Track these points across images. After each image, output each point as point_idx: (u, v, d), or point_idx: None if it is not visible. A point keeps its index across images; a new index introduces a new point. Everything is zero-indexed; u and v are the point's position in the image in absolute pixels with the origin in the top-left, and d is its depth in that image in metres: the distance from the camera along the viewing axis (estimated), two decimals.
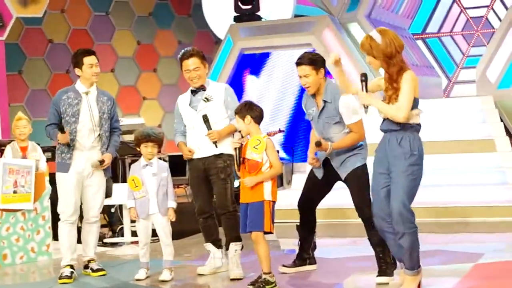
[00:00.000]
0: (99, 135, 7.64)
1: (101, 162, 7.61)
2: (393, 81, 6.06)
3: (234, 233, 7.34)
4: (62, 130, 7.47)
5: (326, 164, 7.10)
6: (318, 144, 6.91)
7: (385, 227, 6.18)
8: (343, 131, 6.95)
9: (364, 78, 6.17)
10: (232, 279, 7.21)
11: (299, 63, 7.02)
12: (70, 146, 7.55)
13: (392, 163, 6.09)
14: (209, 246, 7.59)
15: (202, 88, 7.50)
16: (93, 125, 7.61)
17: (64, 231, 7.62)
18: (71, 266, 7.60)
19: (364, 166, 7.01)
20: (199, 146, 7.43)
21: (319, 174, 7.17)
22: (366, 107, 6.18)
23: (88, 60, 7.62)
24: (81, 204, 7.74)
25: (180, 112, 7.62)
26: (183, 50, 7.60)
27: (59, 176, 7.67)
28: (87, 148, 7.61)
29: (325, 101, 6.98)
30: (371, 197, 6.37)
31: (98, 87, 7.77)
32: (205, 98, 7.42)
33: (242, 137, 6.83)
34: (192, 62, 7.45)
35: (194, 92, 7.54)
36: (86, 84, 7.65)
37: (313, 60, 6.99)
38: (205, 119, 7.24)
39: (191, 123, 7.51)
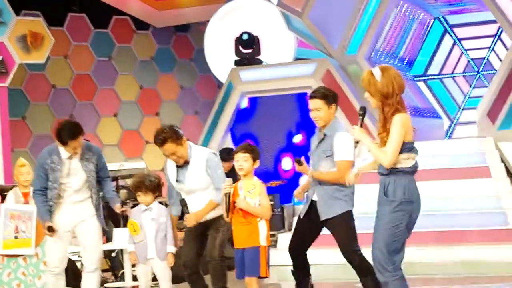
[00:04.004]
0: (87, 190, 7.60)
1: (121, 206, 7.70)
2: (386, 122, 5.90)
3: (220, 283, 7.27)
4: (50, 229, 7.46)
5: (314, 206, 7.11)
6: (298, 161, 6.94)
7: None
8: (332, 168, 6.98)
9: (362, 111, 6.08)
10: None
11: (312, 96, 7.08)
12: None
13: (378, 209, 5.98)
14: None
15: (186, 163, 7.36)
16: (80, 186, 7.55)
17: (50, 281, 7.64)
18: None
19: (349, 212, 6.98)
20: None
21: (303, 211, 7.18)
22: (356, 142, 6.08)
23: (73, 143, 7.35)
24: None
25: (170, 181, 7.56)
26: (155, 134, 7.26)
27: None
28: (72, 203, 7.58)
29: (325, 134, 7.05)
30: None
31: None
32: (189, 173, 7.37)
33: (237, 180, 6.88)
34: (168, 148, 7.21)
35: (179, 167, 7.40)
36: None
37: (326, 95, 7.06)
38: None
39: (183, 194, 7.45)
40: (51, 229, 7.46)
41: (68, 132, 7.32)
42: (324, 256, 9.91)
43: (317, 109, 7.03)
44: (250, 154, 6.82)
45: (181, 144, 7.22)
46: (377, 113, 6.04)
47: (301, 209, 7.29)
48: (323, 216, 7.00)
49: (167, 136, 7.14)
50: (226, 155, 11.88)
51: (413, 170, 5.97)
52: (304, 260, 7.31)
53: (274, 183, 11.25)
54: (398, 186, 5.88)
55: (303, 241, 7.26)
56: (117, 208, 7.64)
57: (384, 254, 5.85)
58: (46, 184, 7.49)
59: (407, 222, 5.92)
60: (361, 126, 6.05)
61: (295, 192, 7.28)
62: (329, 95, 7.09)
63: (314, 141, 7.28)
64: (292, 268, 7.34)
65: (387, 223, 5.86)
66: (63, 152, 7.46)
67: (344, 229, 6.95)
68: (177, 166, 7.40)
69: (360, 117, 6.09)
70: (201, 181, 7.32)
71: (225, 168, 11.84)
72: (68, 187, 7.52)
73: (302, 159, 7.06)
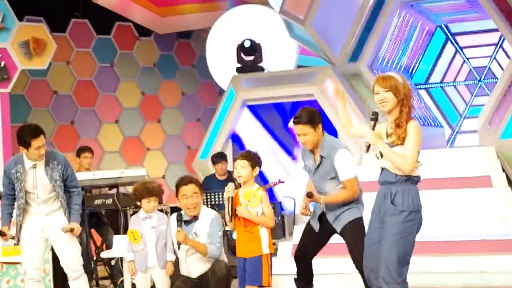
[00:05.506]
0: (57, 201, 7.59)
1: (71, 229, 7.59)
2: (402, 124, 5.92)
3: None
4: (1, 233, 7.50)
5: (323, 216, 7.09)
6: (310, 195, 6.92)
7: (373, 279, 6.04)
8: (338, 186, 6.94)
9: (374, 116, 6.06)
10: None
11: (296, 122, 6.97)
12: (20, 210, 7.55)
13: (385, 220, 5.98)
14: None
15: (194, 218, 7.42)
16: (47, 196, 7.54)
17: None
18: None
19: (359, 219, 6.95)
20: (190, 270, 7.42)
21: (316, 226, 7.14)
22: (368, 147, 6.07)
23: (36, 143, 7.32)
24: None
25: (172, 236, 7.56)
26: (181, 177, 7.52)
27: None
28: (45, 214, 7.58)
29: (322, 157, 6.96)
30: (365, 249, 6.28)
31: (47, 152, 7.53)
32: (195, 233, 7.35)
33: (237, 187, 6.87)
34: (190, 188, 7.35)
35: (186, 222, 7.42)
36: (32, 159, 7.50)
37: (311, 119, 6.93)
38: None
39: (182, 254, 7.44)
40: (2, 234, 7.49)
41: (29, 132, 7.33)
42: (330, 265, 9.90)
43: (304, 134, 6.95)
44: (249, 161, 6.81)
45: (201, 193, 7.44)
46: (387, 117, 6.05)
47: (312, 222, 7.22)
48: (338, 229, 6.99)
49: (194, 179, 7.44)
50: (216, 158, 11.92)
51: (419, 179, 6.05)
52: (309, 268, 7.26)
53: (272, 184, 11.24)
54: (406, 195, 5.93)
55: (309, 249, 7.23)
56: (72, 225, 7.58)
57: (394, 266, 5.83)
58: (13, 192, 7.52)
59: (416, 232, 5.97)
60: (373, 130, 6.06)
61: (301, 210, 7.18)
62: (314, 118, 6.96)
63: (306, 159, 7.18)
64: (295, 276, 7.28)
65: (398, 234, 5.88)
66: (27, 161, 7.45)
67: (353, 235, 6.90)
68: (185, 222, 7.39)
69: (372, 122, 6.08)
70: (204, 241, 7.30)
71: (217, 171, 11.92)
72: (36, 197, 7.53)
73: (313, 191, 7.00)
